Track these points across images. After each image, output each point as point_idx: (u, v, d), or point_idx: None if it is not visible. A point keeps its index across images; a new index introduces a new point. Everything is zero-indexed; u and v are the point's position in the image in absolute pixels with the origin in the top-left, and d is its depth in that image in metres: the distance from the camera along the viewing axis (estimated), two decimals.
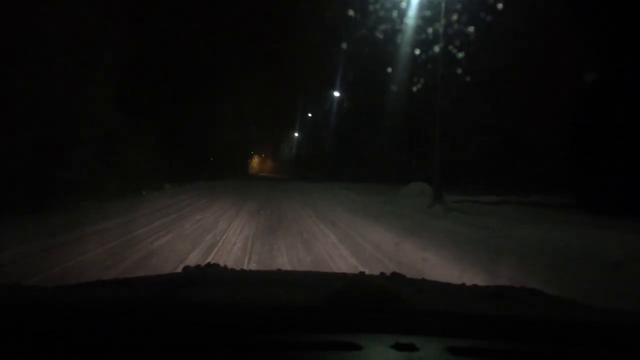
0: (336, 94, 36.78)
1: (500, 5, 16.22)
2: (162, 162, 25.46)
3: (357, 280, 1.75)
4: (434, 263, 6.05)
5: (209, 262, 2.19)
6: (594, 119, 12.61)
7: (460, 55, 19.77)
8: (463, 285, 2.00)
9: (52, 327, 1.14)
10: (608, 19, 11.39)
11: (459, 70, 20.59)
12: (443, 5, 13.60)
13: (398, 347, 1.10)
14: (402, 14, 20.08)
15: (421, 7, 16.11)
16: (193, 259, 5.77)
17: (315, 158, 52.53)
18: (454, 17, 16.68)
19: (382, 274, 1.98)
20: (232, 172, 45.94)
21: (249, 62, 38.38)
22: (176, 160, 28.65)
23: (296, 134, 65.71)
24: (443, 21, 13.83)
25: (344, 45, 31.37)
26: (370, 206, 14.66)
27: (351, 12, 27.91)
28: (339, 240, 7.68)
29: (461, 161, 25.52)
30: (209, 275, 1.85)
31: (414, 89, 27.56)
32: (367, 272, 2.17)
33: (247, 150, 63.22)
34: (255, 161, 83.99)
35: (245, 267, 5.01)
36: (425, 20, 18.14)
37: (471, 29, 18.74)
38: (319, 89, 45.00)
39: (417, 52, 21.81)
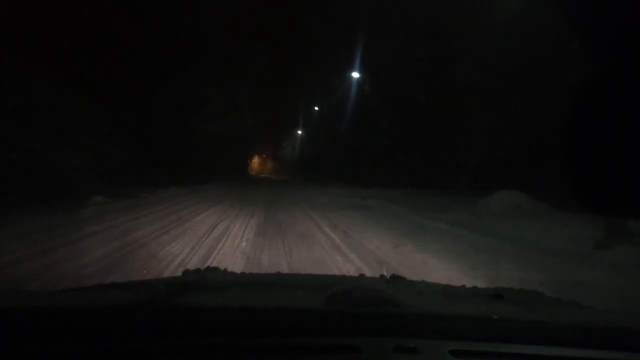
0: (355, 74, 28.69)
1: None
2: (118, 158, 17.80)
3: (358, 283, 1.61)
4: None
5: (208, 266, 2.06)
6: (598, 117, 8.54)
7: None
8: (463, 287, 1.88)
9: (52, 330, 1.08)
10: (608, 15, 9.25)
11: None
12: None
13: (399, 350, 1.06)
14: None
15: None
16: None
17: (317, 158, 44.70)
18: None
19: (382, 276, 1.91)
20: (229, 173, 38.58)
21: (247, 44, 30.57)
22: (151, 157, 20.95)
23: (299, 132, 57.97)
24: None
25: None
26: (494, 257, 6.84)
27: None
28: None
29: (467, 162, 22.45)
30: (208, 279, 1.75)
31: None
32: (367, 274, 2.02)
33: (246, 150, 55.15)
34: (255, 161, 76.34)
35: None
36: None
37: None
38: (332, 74, 36.65)
39: None
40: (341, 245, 6.77)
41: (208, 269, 2.00)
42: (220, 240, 6.86)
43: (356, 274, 4.70)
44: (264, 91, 48.25)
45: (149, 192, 14.30)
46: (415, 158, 25.61)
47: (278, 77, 52.79)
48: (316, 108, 44.31)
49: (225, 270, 2.00)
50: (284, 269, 4.91)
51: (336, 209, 12.28)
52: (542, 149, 16.61)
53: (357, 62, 26.35)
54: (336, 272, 5.01)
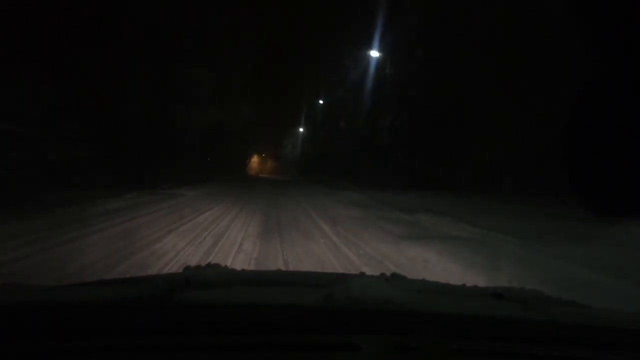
0: (374, 54, 23.05)
1: None
2: (70, 152, 12.64)
3: (358, 281, 1.37)
4: None
5: (209, 262, 1.94)
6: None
7: None
8: (463, 286, 1.80)
9: (52, 326, 1.04)
10: (609, 14, 9.03)
11: None
12: None
13: (399, 348, 1.02)
14: None
15: None
16: None
17: (318, 158, 41.07)
18: None
19: (382, 274, 1.79)
20: (227, 172, 34.16)
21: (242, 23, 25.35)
22: (121, 153, 15.66)
23: (301, 129, 52.92)
24: None
25: None
26: None
27: None
28: None
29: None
30: (209, 275, 1.62)
31: None
32: (367, 272, 1.92)
33: (245, 149, 50.41)
34: (254, 161, 71.14)
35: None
36: None
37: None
38: (334, 73, 32.85)
39: None
40: None
41: (209, 265, 1.83)
42: None
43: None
44: (264, 89, 43.50)
45: (88, 202, 9.06)
46: (415, 158, 22.90)
47: (278, 77, 48.21)
48: (320, 102, 38.91)
49: (225, 267, 1.88)
50: None
51: (391, 241, 6.98)
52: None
53: (377, 39, 20.86)
54: None
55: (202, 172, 25.00)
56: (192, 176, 21.11)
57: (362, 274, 1.84)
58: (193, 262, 5.29)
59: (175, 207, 10.49)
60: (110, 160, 14.33)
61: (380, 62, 24.67)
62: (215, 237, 6.73)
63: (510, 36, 16.77)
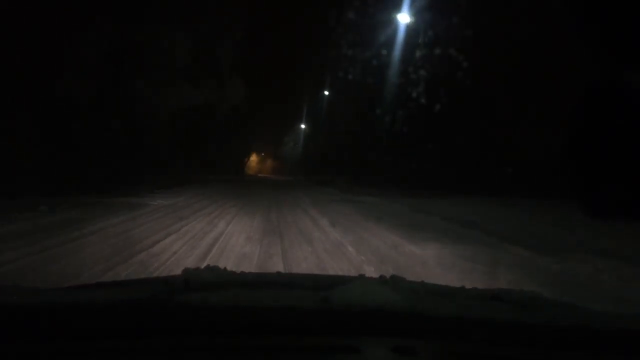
0: (402, 18, 18.68)
1: None
2: None
3: (357, 283, 1.36)
4: None
5: (208, 265, 1.85)
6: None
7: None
8: (463, 288, 1.71)
9: (52, 327, 1.03)
10: (610, 16, 8.77)
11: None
12: None
13: (397, 350, 0.98)
14: None
15: None
16: None
17: (320, 156, 39.00)
18: None
19: (381, 276, 1.72)
20: (226, 172, 32.53)
21: None
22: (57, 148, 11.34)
23: (302, 126, 49.62)
24: None
25: None
26: None
27: None
28: None
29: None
30: (208, 277, 1.57)
31: None
32: (366, 275, 1.90)
33: (245, 149, 48.50)
34: (253, 160, 68.16)
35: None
36: None
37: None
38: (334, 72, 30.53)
39: None
40: None
41: (208, 267, 1.73)
42: None
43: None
44: (264, 88, 40.02)
45: None
46: (415, 158, 22.07)
47: (279, 77, 44.80)
48: (326, 93, 37.15)
49: (224, 269, 1.77)
50: None
51: None
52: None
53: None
54: None
55: (201, 173, 21.83)
56: (185, 177, 17.25)
57: (362, 276, 1.83)
58: None
59: (103, 233, 6.18)
60: (40, 156, 10.17)
61: (381, 61, 23.17)
62: None
63: (510, 37, 16.55)
